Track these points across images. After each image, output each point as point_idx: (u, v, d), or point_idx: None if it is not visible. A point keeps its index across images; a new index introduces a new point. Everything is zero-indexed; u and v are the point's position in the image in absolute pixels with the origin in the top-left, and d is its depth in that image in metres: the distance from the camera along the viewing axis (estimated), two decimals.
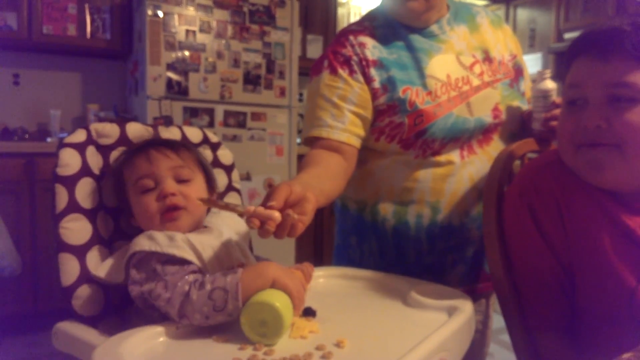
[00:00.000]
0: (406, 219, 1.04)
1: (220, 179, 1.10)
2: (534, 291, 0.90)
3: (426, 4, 1.01)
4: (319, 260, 3.18)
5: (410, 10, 1.02)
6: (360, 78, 1.01)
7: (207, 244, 0.80)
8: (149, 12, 2.47)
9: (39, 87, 2.89)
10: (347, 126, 0.99)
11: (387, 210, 1.06)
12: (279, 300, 0.67)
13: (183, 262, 0.74)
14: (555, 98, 1.03)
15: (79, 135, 0.85)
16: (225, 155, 1.11)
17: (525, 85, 1.16)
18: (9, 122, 2.74)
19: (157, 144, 0.86)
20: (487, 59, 1.08)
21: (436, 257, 1.06)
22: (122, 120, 2.76)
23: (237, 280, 0.68)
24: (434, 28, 1.07)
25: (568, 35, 3.54)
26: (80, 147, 0.84)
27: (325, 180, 0.88)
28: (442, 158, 1.03)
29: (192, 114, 2.60)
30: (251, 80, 2.77)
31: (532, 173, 0.92)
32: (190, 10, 2.57)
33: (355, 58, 1.03)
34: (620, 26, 0.77)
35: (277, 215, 0.65)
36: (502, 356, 1.97)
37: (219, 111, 2.68)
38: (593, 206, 0.84)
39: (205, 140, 1.08)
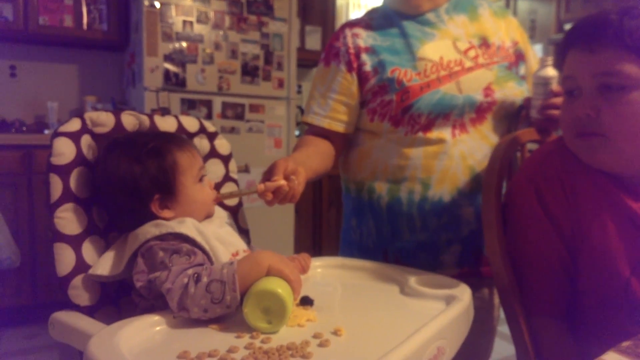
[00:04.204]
0: (399, 195, 1.09)
1: (218, 169, 1.09)
2: (538, 276, 0.91)
3: None
4: (317, 250, 3.19)
5: None
6: (345, 67, 1.11)
7: (213, 232, 0.81)
8: (146, 3, 2.44)
9: (36, 79, 2.87)
10: (328, 113, 1.12)
11: (382, 188, 1.11)
12: (279, 286, 0.67)
13: (190, 253, 0.74)
14: (555, 86, 1.03)
15: (74, 124, 0.84)
16: (223, 145, 1.11)
17: (528, 71, 1.18)
18: (6, 115, 2.73)
19: (189, 142, 0.90)
20: (485, 44, 1.12)
21: (429, 234, 1.08)
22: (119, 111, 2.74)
23: (233, 271, 0.68)
24: (430, 16, 1.12)
25: (569, 26, 3.52)
26: (75, 136, 0.83)
27: (313, 158, 1.04)
28: (432, 135, 1.06)
29: (190, 106, 2.59)
30: (249, 72, 2.75)
31: (540, 159, 0.94)
32: (188, 1, 2.55)
33: (343, 49, 1.12)
34: (605, 16, 0.79)
35: (284, 183, 0.82)
36: (500, 348, 1.97)
37: (217, 103, 2.66)
38: (598, 190, 0.86)
39: (202, 130, 1.07)
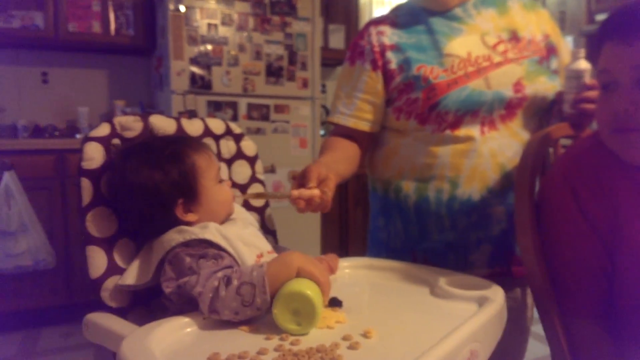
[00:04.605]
0: (427, 194, 1.07)
1: (244, 170, 1.10)
2: (575, 277, 0.88)
3: None
4: (345, 250, 3.18)
5: None
6: (370, 66, 1.10)
7: (236, 235, 0.81)
8: (171, 7, 2.48)
9: (67, 85, 2.95)
10: (354, 112, 1.11)
11: (409, 187, 1.09)
12: (309, 287, 0.67)
13: (217, 257, 0.74)
14: (589, 79, 1.00)
15: (103, 129, 0.86)
16: (249, 146, 1.11)
17: (560, 65, 1.14)
18: (39, 120, 2.81)
19: (205, 144, 0.91)
20: (514, 38, 1.09)
21: (459, 234, 1.06)
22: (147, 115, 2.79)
23: (263, 273, 0.68)
24: (457, 11, 1.10)
25: (600, 17, 3.40)
26: (105, 141, 0.85)
27: (340, 163, 1.03)
28: (460, 133, 1.04)
29: (216, 108, 2.61)
30: (273, 73, 2.76)
31: (575, 156, 0.91)
32: (212, 4, 2.57)
33: (368, 47, 1.11)
34: None
35: (317, 193, 0.81)
36: (534, 348, 1.92)
37: (242, 104, 2.68)
38: (637, 188, 0.83)
39: (228, 132, 1.08)
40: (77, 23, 2.70)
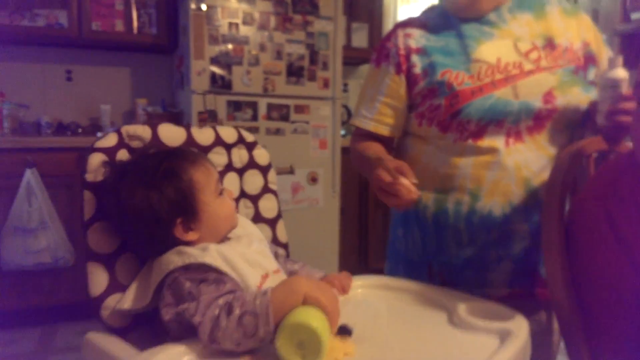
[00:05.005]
0: (445, 206, 1.03)
1: (256, 180, 1.06)
2: (606, 306, 0.82)
3: None
4: (364, 252, 3.12)
5: (454, 5, 1.05)
6: (393, 69, 1.07)
7: (239, 254, 0.77)
8: (193, 6, 2.46)
9: (90, 83, 2.97)
10: (375, 116, 1.09)
11: (428, 197, 1.05)
12: (315, 318, 0.62)
13: (218, 281, 0.70)
14: (626, 90, 0.92)
15: (110, 140, 0.83)
16: (262, 155, 1.07)
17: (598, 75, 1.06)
18: (62, 117, 2.84)
19: (202, 155, 0.86)
20: (550, 45, 1.02)
21: (478, 250, 1.01)
22: (168, 114, 2.80)
23: (267, 302, 0.63)
24: (491, 16, 1.04)
25: (635, 16, 3.25)
26: (111, 152, 0.82)
27: None
28: (484, 143, 0.99)
29: (235, 108, 2.59)
30: (294, 72, 2.72)
31: (611, 177, 0.85)
32: (233, 3, 2.54)
33: (394, 50, 1.07)
34: None
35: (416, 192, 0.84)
36: None
37: (262, 104, 2.65)
38: None
39: (241, 140, 1.04)
40: (100, 22, 2.70)
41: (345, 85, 3.67)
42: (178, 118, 2.78)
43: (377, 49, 1.13)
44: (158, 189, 0.74)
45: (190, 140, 0.94)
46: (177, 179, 0.76)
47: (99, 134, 2.63)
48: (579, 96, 1.01)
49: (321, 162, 2.81)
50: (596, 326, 0.83)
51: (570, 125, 1.03)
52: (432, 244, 1.06)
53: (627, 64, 0.92)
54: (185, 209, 0.76)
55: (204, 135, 0.97)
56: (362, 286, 0.94)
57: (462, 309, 0.78)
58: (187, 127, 0.96)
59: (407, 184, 0.82)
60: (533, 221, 1.00)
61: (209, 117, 2.52)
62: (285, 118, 2.71)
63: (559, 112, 1.00)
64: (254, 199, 1.04)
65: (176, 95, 2.97)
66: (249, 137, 1.06)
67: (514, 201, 0.99)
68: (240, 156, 1.03)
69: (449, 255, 1.04)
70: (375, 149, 1.06)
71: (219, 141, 0.99)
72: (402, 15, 3.97)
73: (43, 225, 2.17)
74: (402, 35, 1.08)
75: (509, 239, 1.00)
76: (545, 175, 1.00)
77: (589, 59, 1.05)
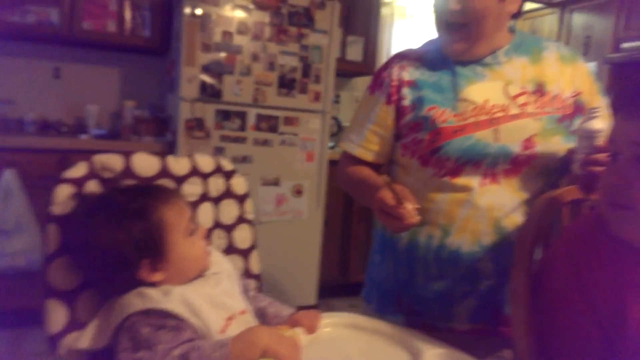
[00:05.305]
0: (417, 238, 1.06)
1: (232, 209, 1.05)
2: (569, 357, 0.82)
3: (466, 44, 1.03)
4: (346, 264, 3.12)
5: (450, 52, 1.05)
6: (384, 99, 1.09)
7: (205, 296, 0.76)
8: (187, 12, 2.44)
9: (79, 81, 2.93)
10: (362, 142, 1.12)
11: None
12: None
13: (177, 328, 0.68)
14: (602, 141, 0.93)
15: (79, 170, 0.81)
16: (239, 184, 1.07)
17: None
18: (48, 115, 2.80)
19: (178, 193, 0.85)
20: (539, 91, 1.04)
21: (445, 285, 1.04)
22: (155, 118, 2.74)
23: (226, 355, 0.63)
24: (486, 58, 1.06)
25: (626, 45, 3.29)
26: (80, 183, 0.80)
27: None
28: (459, 182, 1.02)
29: (224, 117, 2.57)
30: (286, 84, 2.71)
31: (581, 233, 0.86)
32: (228, 11, 2.53)
33: (387, 80, 1.10)
34: None
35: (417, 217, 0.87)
36: None
37: (252, 115, 2.64)
38: None
39: (219, 169, 1.03)
40: (92, 21, 2.67)
41: (337, 96, 3.67)
42: (165, 123, 2.75)
43: (374, 76, 1.16)
44: (125, 228, 0.73)
45: (164, 170, 0.93)
46: (146, 219, 0.75)
47: (83, 137, 2.60)
48: (559, 145, 1.02)
49: (307, 175, 2.81)
50: None
51: (546, 172, 1.05)
52: (403, 274, 1.09)
53: (611, 90, 0.94)
54: (152, 250, 0.75)
55: (179, 165, 0.96)
56: (331, 325, 0.93)
57: (429, 355, 0.77)
58: (163, 157, 0.94)
59: (410, 208, 0.86)
60: (500, 260, 1.02)
61: (197, 125, 2.50)
62: (273, 129, 2.71)
63: (537, 159, 1.02)
64: (229, 229, 1.03)
65: (165, 100, 2.94)
66: (227, 165, 1.05)
67: (482, 240, 1.02)
68: (217, 185, 1.02)
69: (418, 287, 1.07)
70: (372, 173, 1.09)
71: (195, 171, 0.98)
72: (398, 29, 3.98)
73: (18, 228, 2.13)
74: (398, 66, 1.10)
75: (475, 275, 1.03)
76: (515, 217, 1.02)
77: (578, 109, 1.06)
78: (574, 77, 1.07)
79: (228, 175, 1.05)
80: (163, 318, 0.69)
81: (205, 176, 1.00)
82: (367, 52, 3.46)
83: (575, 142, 1.03)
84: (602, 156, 0.90)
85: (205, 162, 1.01)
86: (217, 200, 1.03)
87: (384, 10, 3.81)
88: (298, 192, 2.79)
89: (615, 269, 0.79)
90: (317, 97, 2.80)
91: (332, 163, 2.80)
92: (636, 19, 3.31)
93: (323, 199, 2.86)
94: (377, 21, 3.54)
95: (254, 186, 2.62)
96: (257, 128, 2.66)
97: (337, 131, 3.40)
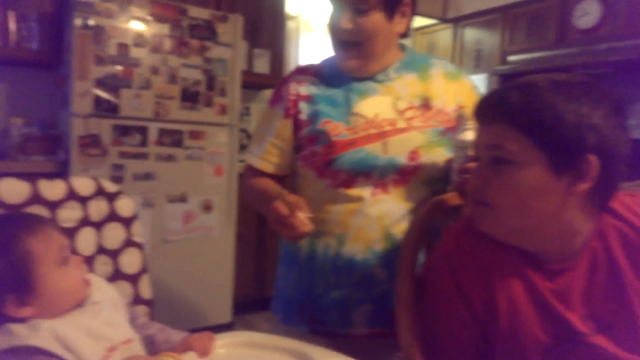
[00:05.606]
0: (316, 248, 1.10)
1: (117, 233, 1.00)
2: (449, 353, 0.88)
3: (359, 61, 1.07)
4: (261, 279, 3.09)
5: (345, 68, 1.10)
6: (282, 112, 1.12)
7: (81, 328, 0.71)
8: (77, 23, 2.31)
9: None
10: (262, 155, 1.15)
11: (303, 239, 1.07)
12: None
13: None
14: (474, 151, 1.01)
15: None
16: (125, 205, 1.02)
17: None
18: None
19: (47, 221, 0.79)
20: (425, 106, 1.11)
21: (342, 292, 1.08)
22: (46, 135, 2.54)
23: None
24: (379, 76, 1.11)
25: (512, 58, 3.61)
26: None
27: None
28: (353, 192, 1.06)
29: (122, 133, 2.45)
30: (189, 97, 2.65)
31: (455, 235, 0.92)
32: (123, 23, 2.43)
33: (285, 94, 1.13)
34: (502, 92, 0.82)
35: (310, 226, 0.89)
36: None
37: (153, 130, 2.54)
38: (509, 266, 0.84)
39: (100, 192, 0.98)
40: None
41: (247, 109, 3.66)
42: (57, 141, 2.57)
43: (275, 90, 1.18)
44: None
45: (36, 196, 0.86)
46: (9, 252, 0.69)
47: None
48: (443, 156, 1.09)
49: (216, 189, 2.75)
50: None
51: (431, 181, 1.11)
52: (305, 285, 1.12)
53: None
54: (18, 284, 0.69)
55: (53, 190, 0.90)
56: (225, 345, 0.91)
57: None
58: (33, 181, 0.88)
59: (302, 218, 0.88)
60: (391, 267, 1.06)
61: (92, 142, 2.37)
62: (178, 144, 2.63)
63: (422, 169, 1.08)
64: (114, 254, 0.98)
65: (57, 116, 2.75)
66: (111, 187, 1.00)
67: (374, 247, 1.07)
68: (98, 208, 0.97)
69: (318, 296, 1.10)
70: (271, 184, 1.11)
71: (72, 195, 0.93)
72: (305, 42, 4.05)
73: None
74: (295, 81, 1.13)
75: (370, 282, 1.08)
76: (403, 224, 1.08)
77: (461, 122, 1.13)
78: (457, 93, 1.14)
79: (111, 197, 1.00)
80: (31, 355, 0.65)
81: (84, 200, 0.95)
82: (275, 64, 3.48)
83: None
84: (472, 164, 0.98)
85: (84, 185, 0.95)
86: (99, 225, 0.98)
87: (290, 24, 3.87)
88: (207, 207, 2.72)
89: (485, 264, 0.85)
90: (223, 110, 2.77)
91: (242, 177, 2.76)
92: (519, 34, 3.64)
93: (235, 214, 2.82)
94: (283, 34, 3.58)
95: (159, 204, 2.52)
96: (160, 143, 2.57)
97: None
